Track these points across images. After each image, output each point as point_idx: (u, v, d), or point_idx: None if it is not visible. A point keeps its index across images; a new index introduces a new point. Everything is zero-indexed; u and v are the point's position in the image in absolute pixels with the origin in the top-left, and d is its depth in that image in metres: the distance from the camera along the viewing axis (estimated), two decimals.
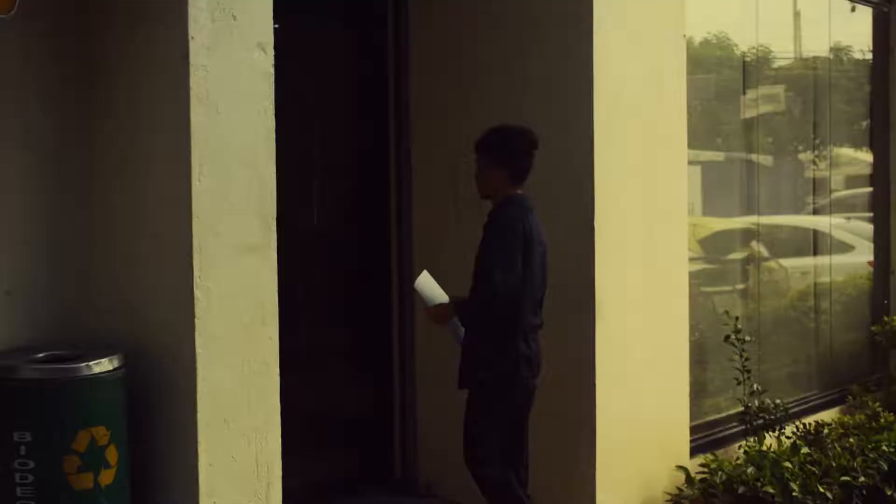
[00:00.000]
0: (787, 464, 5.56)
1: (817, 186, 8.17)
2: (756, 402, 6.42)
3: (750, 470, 5.51)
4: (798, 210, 8.12)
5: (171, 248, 3.90)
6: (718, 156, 7.29)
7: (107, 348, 3.89)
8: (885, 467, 5.79)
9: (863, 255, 8.51)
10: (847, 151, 8.69)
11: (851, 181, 8.71)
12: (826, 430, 6.49)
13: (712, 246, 7.23)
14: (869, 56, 8.56)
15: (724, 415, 6.74)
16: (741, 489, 5.41)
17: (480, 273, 4.72)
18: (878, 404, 6.98)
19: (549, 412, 5.53)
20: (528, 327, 4.83)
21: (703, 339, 6.69)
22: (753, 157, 7.39)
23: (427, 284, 4.92)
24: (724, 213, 7.36)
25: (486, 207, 5.72)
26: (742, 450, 5.98)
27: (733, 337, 6.33)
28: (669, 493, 5.68)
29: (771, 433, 6.31)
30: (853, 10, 8.29)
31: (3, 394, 3.68)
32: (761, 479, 5.43)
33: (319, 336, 5.98)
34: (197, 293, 3.83)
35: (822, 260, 8.08)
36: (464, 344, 4.85)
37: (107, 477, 3.72)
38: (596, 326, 5.39)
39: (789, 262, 7.91)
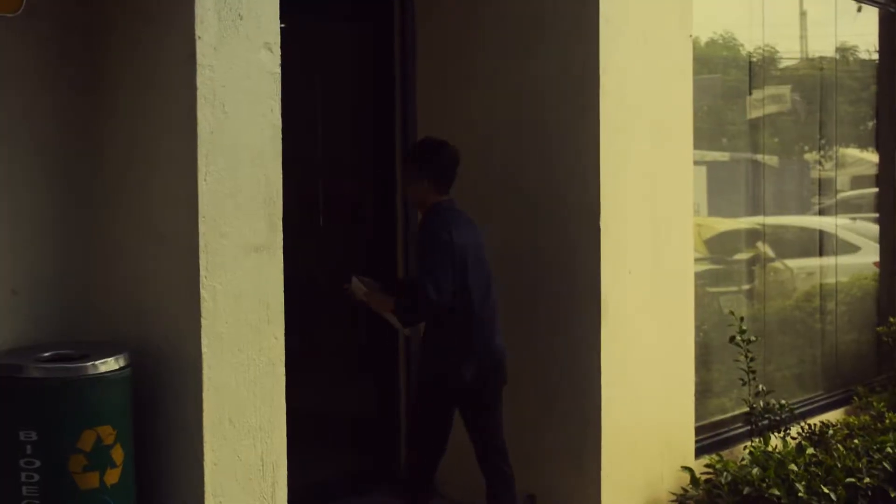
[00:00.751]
0: (793, 465, 5.56)
1: (823, 187, 8.16)
2: (761, 403, 6.42)
3: (755, 471, 5.51)
4: (804, 210, 8.12)
5: (177, 248, 3.90)
6: (724, 156, 7.29)
7: (112, 348, 3.89)
8: (890, 468, 5.78)
9: (868, 255, 8.50)
10: (853, 152, 8.68)
11: (857, 182, 8.71)
12: (831, 431, 6.49)
13: (718, 246, 7.22)
14: (875, 56, 8.55)
15: (729, 415, 6.74)
16: (746, 490, 5.41)
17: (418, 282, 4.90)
18: (883, 405, 6.97)
19: (554, 413, 5.55)
20: (482, 325, 4.98)
21: (709, 340, 6.68)
22: (759, 157, 7.38)
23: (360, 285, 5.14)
24: (730, 213, 7.35)
25: (491, 208, 5.75)
26: (747, 450, 5.97)
27: (738, 338, 6.33)
28: (674, 494, 5.68)
29: (776, 434, 6.30)
30: (859, 10, 8.28)
31: (8, 393, 3.69)
32: (766, 480, 5.43)
33: (325, 336, 5.99)
34: (203, 293, 3.83)
35: (828, 260, 8.07)
36: (423, 344, 5.05)
37: (112, 476, 3.72)
38: (601, 327, 5.39)
39: (795, 263, 7.90)
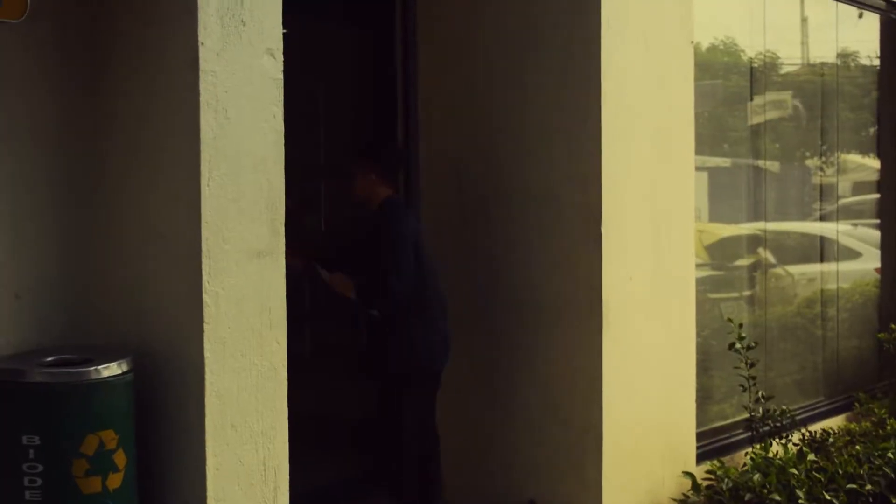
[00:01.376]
0: (794, 471, 5.55)
1: (824, 193, 8.17)
2: (762, 410, 6.41)
3: (756, 477, 5.50)
4: (805, 216, 8.12)
5: (180, 253, 3.91)
6: (725, 162, 7.30)
7: (115, 352, 3.89)
8: (892, 475, 5.78)
9: (870, 261, 8.50)
10: (854, 158, 8.69)
11: (859, 187, 8.71)
12: (832, 438, 6.48)
13: (719, 252, 7.23)
14: (876, 62, 8.56)
15: (730, 421, 6.74)
16: (747, 496, 5.41)
17: (381, 274, 5.14)
18: (884, 411, 6.97)
19: (555, 418, 5.55)
20: (439, 309, 5.32)
21: (710, 346, 6.69)
22: (760, 163, 7.39)
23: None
24: (731, 219, 7.36)
25: (493, 212, 5.76)
26: (748, 456, 5.97)
27: (738, 344, 6.33)
28: (675, 500, 5.68)
29: (777, 440, 6.30)
30: (861, 16, 8.30)
31: (12, 397, 3.69)
32: (767, 486, 5.43)
33: (326, 339, 5.99)
34: (205, 298, 3.83)
35: (829, 267, 8.07)
36: (386, 336, 5.26)
37: (115, 481, 3.72)
38: (603, 332, 5.39)
39: (796, 269, 7.90)
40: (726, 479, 5.55)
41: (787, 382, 7.50)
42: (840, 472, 5.65)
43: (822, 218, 8.13)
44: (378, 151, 5.43)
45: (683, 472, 5.73)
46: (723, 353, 6.60)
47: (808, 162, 8.20)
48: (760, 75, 7.40)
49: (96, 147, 4.18)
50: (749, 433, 6.47)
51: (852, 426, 6.82)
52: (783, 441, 6.30)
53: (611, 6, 5.40)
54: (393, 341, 5.23)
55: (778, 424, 6.39)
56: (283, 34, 4.14)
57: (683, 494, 5.65)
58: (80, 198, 4.18)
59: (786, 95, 7.88)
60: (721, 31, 7.07)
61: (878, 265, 8.52)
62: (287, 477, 4.16)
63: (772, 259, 7.56)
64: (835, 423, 7.14)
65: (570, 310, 5.49)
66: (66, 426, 3.66)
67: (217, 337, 3.88)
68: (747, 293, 7.30)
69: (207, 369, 3.85)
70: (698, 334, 6.21)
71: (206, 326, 3.84)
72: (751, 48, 7.27)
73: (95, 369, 3.73)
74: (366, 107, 6.19)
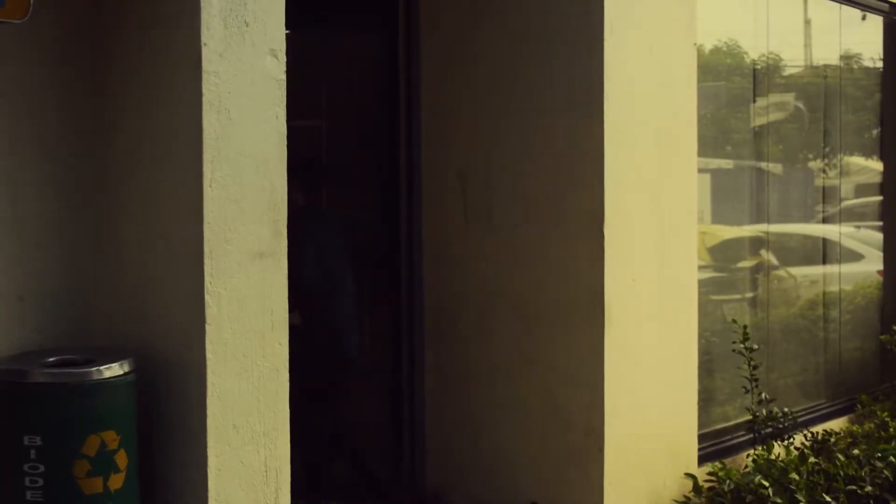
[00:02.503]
0: (794, 473, 5.55)
1: (827, 195, 8.17)
2: (764, 411, 6.41)
3: (757, 479, 5.50)
4: (808, 219, 8.12)
5: (183, 254, 3.91)
6: (728, 164, 7.29)
7: (117, 353, 3.89)
8: (891, 477, 5.77)
9: (872, 263, 8.50)
10: (857, 160, 8.68)
11: (861, 190, 8.71)
12: (834, 440, 6.48)
13: (722, 254, 7.23)
14: (880, 64, 8.55)
15: (732, 423, 6.74)
16: (749, 498, 5.41)
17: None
18: (886, 414, 6.97)
19: (557, 420, 5.55)
20: (331, 316, 5.78)
21: (712, 348, 6.68)
22: (763, 165, 7.39)
23: None
24: (734, 221, 7.35)
25: (496, 215, 5.76)
26: (750, 458, 5.97)
27: (741, 346, 6.32)
28: (677, 501, 5.68)
29: (779, 442, 6.30)
30: (864, 18, 8.29)
31: (14, 398, 3.70)
32: (769, 489, 5.42)
33: None
34: (208, 299, 3.84)
35: (832, 269, 8.07)
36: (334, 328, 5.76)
37: (116, 481, 3.73)
38: (605, 334, 5.39)
39: (798, 271, 7.90)
40: (728, 481, 5.55)
41: (789, 384, 7.50)
42: (841, 474, 5.65)
43: (825, 220, 8.13)
44: (301, 172, 5.61)
45: (685, 474, 5.74)
46: (725, 355, 6.60)
47: (811, 164, 8.19)
48: (763, 77, 7.39)
49: (98, 148, 4.19)
50: (751, 435, 6.47)
51: (854, 428, 6.82)
52: (785, 443, 6.30)
53: (614, 9, 5.40)
54: (332, 336, 5.73)
55: (780, 426, 6.39)
56: (287, 36, 4.14)
57: (685, 496, 5.65)
58: (82, 199, 4.18)
59: (789, 97, 7.88)
60: (724, 34, 7.07)
61: (881, 267, 8.51)
62: (288, 478, 4.16)
63: (774, 261, 7.56)
64: (837, 425, 7.14)
65: (573, 312, 5.49)
66: (68, 427, 3.66)
67: (219, 338, 3.88)
68: (750, 295, 7.30)
69: (209, 370, 3.85)
70: (700, 336, 6.20)
71: (208, 327, 3.84)
72: (754, 50, 7.27)
73: (97, 370, 3.74)
74: (369, 112, 6.19)
